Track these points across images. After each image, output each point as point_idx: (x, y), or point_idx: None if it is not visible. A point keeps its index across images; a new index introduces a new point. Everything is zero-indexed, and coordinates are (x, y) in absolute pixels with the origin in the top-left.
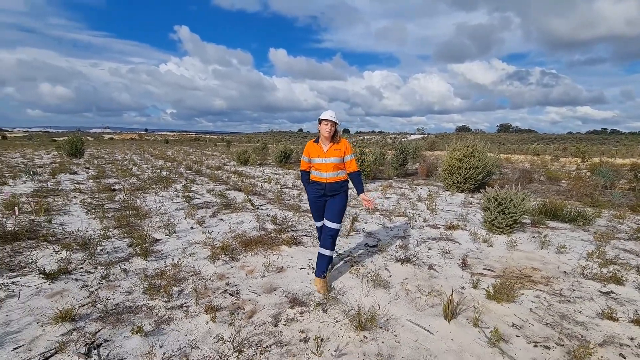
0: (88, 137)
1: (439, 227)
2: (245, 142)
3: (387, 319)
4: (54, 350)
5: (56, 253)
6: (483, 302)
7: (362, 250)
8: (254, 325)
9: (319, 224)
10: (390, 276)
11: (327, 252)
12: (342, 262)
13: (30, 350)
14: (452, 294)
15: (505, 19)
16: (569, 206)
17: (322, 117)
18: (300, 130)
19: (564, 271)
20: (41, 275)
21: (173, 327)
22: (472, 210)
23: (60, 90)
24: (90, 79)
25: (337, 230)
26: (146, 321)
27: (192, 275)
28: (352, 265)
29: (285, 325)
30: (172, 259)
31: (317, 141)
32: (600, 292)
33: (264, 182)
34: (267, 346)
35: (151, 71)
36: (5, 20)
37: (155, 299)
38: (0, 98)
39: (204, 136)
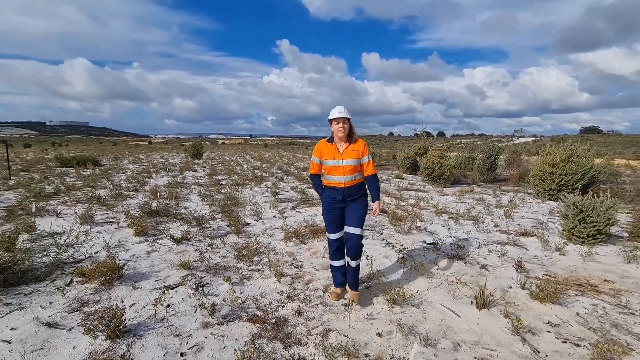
0: (206, 142)
1: (510, 233)
2: None
3: (422, 301)
4: (177, 284)
5: (181, 226)
6: (525, 300)
7: (418, 246)
8: (308, 290)
9: (333, 236)
10: (437, 269)
11: (353, 263)
12: (394, 254)
13: (164, 282)
14: (485, 284)
15: None
16: None
17: (331, 116)
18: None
19: None
20: (171, 240)
21: (251, 282)
22: (558, 219)
23: (188, 103)
24: (209, 92)
25: (361, 237)
26: (234, 276)
27: (269, 250)
28: (402, 257)
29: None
30: (256, 238)
31: (330, 141)
32: None
33: None
34: (314, 304)
35: (256, 83)
36: (154, 50)
37: (241, 263)
38: (148, 111)
39: (298, 140)
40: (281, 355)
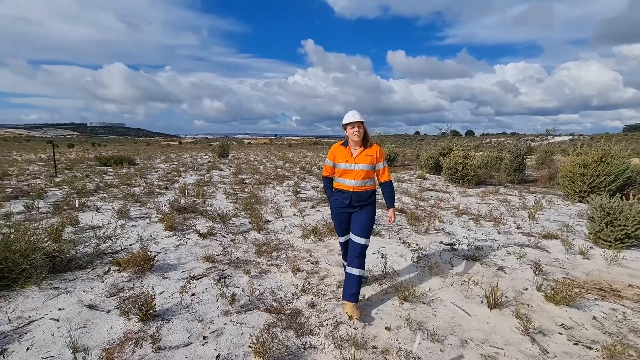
0: (233, 142)
1: (533, 235)
2: None
3: (433, 299)
4: (202, 275)
5: (206, 222)
6: (539, 303)
7: (434, 246)
8: (322, 285)
9: (342, 239)
10: (451, 269)
11: (355, 272)
12: (409, 253)
13: (190, 273)
14: (497, 284)
15: None
16: None
17: (345, 121)
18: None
19: None
20: (197, 235)
21: (269, 276)
22: (585, 222)
23: (216, 104)
24: (237, 93)
25: (366, 247)
26: (253, 269)
27: (287, 247)
28: (418, 256)
29: (340, 287)
30: (276, 235)
31: (345, 144)
32: None
33: None
34: (328, 298)
35: (281, 83)
36: (185, 53)
37: (261, 258)
38: (179, 113)
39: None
40: (293, 343)
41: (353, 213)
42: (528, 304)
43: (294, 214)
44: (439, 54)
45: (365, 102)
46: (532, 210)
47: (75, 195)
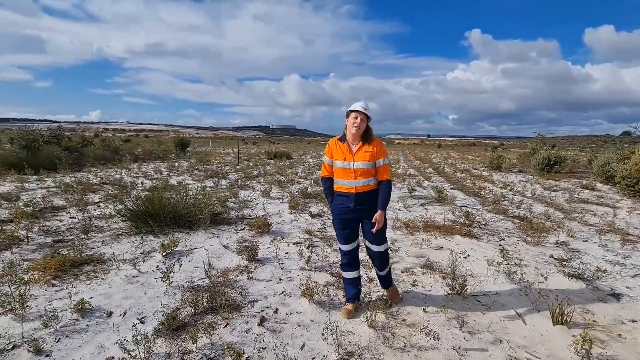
0: (382, 142)
1: None
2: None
3: (494, 302)
4: (298, 242)
5: (321, 207)
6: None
7: (538, 259)
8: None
9: (345, 248)
10: (539, 281)
11: (382, 273)
12: (499, 259)
13: (290, 239)
14: (566, 301)
15: None
16: None
17: (351, 108)
18: (626, 133)
19: None
20: (309, 215)
21: None
22: None
23: (371, 105)
24: (391, 94)
25: (386, 252)
26: (335, 245)
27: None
28: (506, 262)
29: (407, 274)
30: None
31: (342, 139)
32: None
33: (501, 188)
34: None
35: (439, 81)
36: (347, 60)
37: None
38: (337, 114)
39: (481, 141)
40: (338, 300)
41: (362, 218)
42: (619, 335)
43: (399, 209)
44: None
45: (546, 94)
46: None
47: (243, 179)
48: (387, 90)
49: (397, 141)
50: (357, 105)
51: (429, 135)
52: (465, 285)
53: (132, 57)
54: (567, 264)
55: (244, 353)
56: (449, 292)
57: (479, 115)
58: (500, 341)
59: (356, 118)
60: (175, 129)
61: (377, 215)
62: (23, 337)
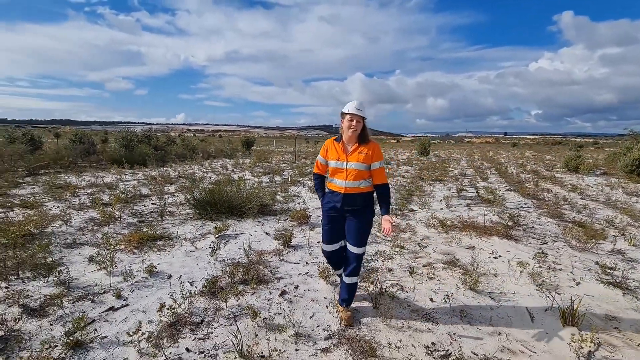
0: (451, 140)
1: None
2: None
3: (508, 300)
4: None
5: None
6: None
7: (579, 265)
8: (415, 261)
9: (328, 247)
10: (568, 285)
11: (347, 280)
12: (532, 262)
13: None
14: (579, 302)
15: None
16: None
17: (345, 110)
18: None
19: None
20: None
21: (374, 243)
22: None
23: (439, 102)
24: (462, 89)
25: (361, 256)
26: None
27: (410, 230)
28: (536, 263)
29: (428, 268)
30: (409, 221)
31: (338, 140)
32: None
33: (569, 191)
34: (406, 270)
35: (519, 72)
36: (414, 55)
37: (380, 232)
38: (402, 112)
39: (570, 139)
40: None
41: (347, 219)
42: (632, 339)
43: (441, 208)
44: None
45: None
46: None
47: (296, 175)
48: (457, 85)
49: (467, 140)
50: (352, 108)
51: (505, 133)
52: (479, 281)
53: (212, 64)
54: (611, 271)
55: (260, 313)
56: (460, 285)
57: (568, 110)
58: (499, 333)
59: (352, 121)
60: (246, 129)
61: (386, 218)
62: (110, 286)
